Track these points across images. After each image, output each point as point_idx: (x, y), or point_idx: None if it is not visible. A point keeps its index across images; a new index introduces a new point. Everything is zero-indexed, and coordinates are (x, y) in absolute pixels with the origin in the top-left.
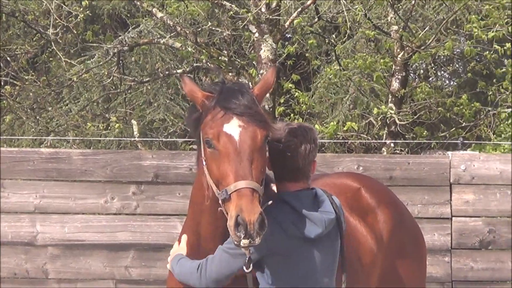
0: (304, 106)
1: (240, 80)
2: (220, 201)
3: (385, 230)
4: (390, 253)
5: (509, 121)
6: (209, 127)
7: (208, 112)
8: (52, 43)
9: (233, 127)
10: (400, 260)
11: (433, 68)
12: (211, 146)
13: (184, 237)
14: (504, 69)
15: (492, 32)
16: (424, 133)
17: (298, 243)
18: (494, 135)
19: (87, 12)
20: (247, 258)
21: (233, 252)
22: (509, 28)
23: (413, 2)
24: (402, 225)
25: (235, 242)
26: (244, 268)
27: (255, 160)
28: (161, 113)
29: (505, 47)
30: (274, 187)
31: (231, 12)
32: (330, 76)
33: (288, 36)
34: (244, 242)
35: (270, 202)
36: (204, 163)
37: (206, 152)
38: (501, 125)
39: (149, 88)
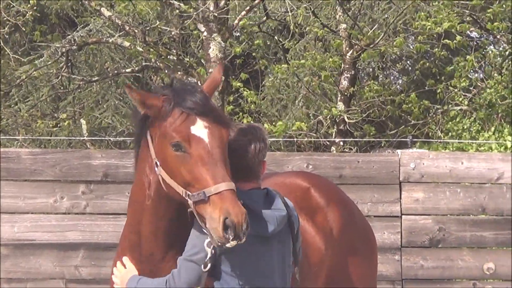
0: (253, 105)
1: (189, 79)
2: (190, 203)
3: (335, 228)
4: (340, 251)
5: (457, 119)
6: (175, 131)
7: (166, 116)
8: (1, 42)
9: (200, 129)
10: (350, 258)
11: (382, 67)
12: (181, 150)
13: (126, 259)
14: (452, 67)
15: (446, 23)
16: (373, 131)
17: (252, 241)
18: (442, 133)
19: (36, 10)
20: (207, 258)
21: (196, 258)
22: (457, 25)
23: (362, 0)
24: (352, 223)
25: (219, 243)
26: (203, 267)
27: (225, 160)
28: (110, 115)
29: (455, 41)
30: None
31: (178, 11)
32: (279, 76)
33: (237, 35)
34: (232, 243)
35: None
36: (156, 163)
37: (169, 155)
38: (450, 123)
39: (98, 88)
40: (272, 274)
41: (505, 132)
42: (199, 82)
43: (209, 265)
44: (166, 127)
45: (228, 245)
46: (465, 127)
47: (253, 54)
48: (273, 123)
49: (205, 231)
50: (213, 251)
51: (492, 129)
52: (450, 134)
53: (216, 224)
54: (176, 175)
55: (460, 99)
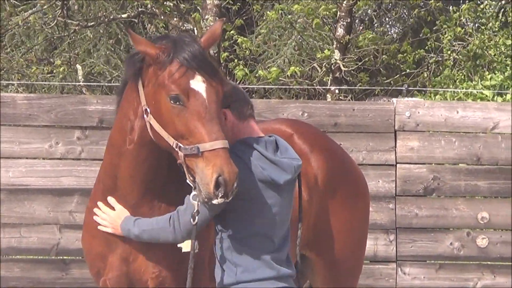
0: (247, 52)
1: (185, 25)
2: (180, 155)
3: (320, 175)
4: (326, 198)
5: (446, 71)
6: (174, 83)
7: (164, 66)
8: None
9: (199, 83)
10: (337, 206)
11: (378, 15)
12: (178, 102)
13: (113, 201)
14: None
15: None
16: (367, 80)
17: (265, 188)
18: (435, 84)
19: None
20: (194, 210)
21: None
22: None
23: None
24: (338, 170)
25: (206, 199)
26: (191, 219)
27: (220, 116)
28: (101, 64)
29: None
30: None
31: None
32: (272, 20)
33: None
34: (219, 200)
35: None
36: (146, 110)
37: (164, 105)
38: (446, 72)
39: (91, 35)
40: (283, 223)
41: (487, 80)
42: (195, 28)
43: (197, 217)
44: (165, 78)
45: (214, 201)
46: (450, 76)
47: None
48: (268, 69)
49: (191, 184)
50: (198, 204)
51: (477, 78)
52: (437, 83)
53: (208, 179)
54: (168, 126)
55: (449, 51)
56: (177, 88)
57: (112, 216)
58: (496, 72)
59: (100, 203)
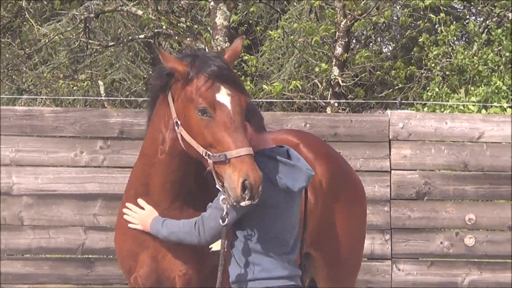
0: (253, 68)
1: (197, 44)
2: (210, 162)
3: (323, 180)
4: (328, 202)
5: (438, 85)
6: (201, 96)
7: (192, 80)
8: (24, 9)
9: (224, 96)
10: (339, 209)
11: (373, 35)
12: (206, 114)
13: (143, 202)
14: (437, 37)
15: (428, 0)
16: (363, 94)
17: (282, 196)
18: (425, 96)
19: None
20: (224, 213)
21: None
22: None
23: None
24: (339, 176)
25: (235, 202)
26: (221, 221)
27: (244, 126)
28: (121, 73)
29: (439, 16)
30: None
31: None
32: (275, 39)
33: (239, 4)
34: (246, 203)
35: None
36: (177, 123)
37: (193, 118)
38: (434, 88)
39: (112, 51)
40: (294, 227)
41: (473, 96)
42: (206, 48)
43: (226, 219)
44: (193, 92)
45: (242, 204)
46: (437, 91)
47: (250, 21)
48: (271, 84)
49: (220, 189)
50: (227, 207)
51: (462, 91)
52: (427, 97)
53: (235, 184)
54: (197, 136)
55: (435, 67)
56: (204, 101)
57: (142, 215)
58: (482, 86)
59: (130, 204)
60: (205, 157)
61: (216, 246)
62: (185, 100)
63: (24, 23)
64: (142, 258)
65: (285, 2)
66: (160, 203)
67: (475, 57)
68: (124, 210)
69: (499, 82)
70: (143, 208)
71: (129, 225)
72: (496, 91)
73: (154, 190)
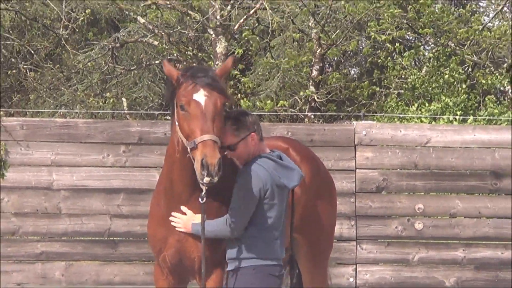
0: (248, 89)
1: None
2: (188, 150)
3: (307, 178)
4: (310, 195)
5: (393, 100)
6: (183, 96)
7: (181, 85)
8: (64, 42)
9: (200, 96)
10: (317, 200)
11: (343, 60)
12: (184, 110)
13: (185, 209)
14: (394, 63)
15: (384, 36)
16: (334, 108)
17: (279, 191)
18: (383, 110)
19: (89, 16)
20: (203, 193)
21: (242, 202)
22: (397, 32)
23: (328, 11)
24: (318, 174)
25: (200, 180)
26: (200, 199)
27: (216, 120)
28: (144, 91)
29: (395, 46)
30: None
31: (194, 19)
32: (264, 64)
33: (236, 37)
34: (206, 179)
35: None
36: (177, 123)
37: (179, 115)
38: (389, 102)
39: (136, 73)
40: (282, 218)
41: (425, 108)
42: None
43: (205, 198)
44: (179, 94)
45: (204, 180)
46: (394, 105)
47: (249, 52)
48: (264, 102)
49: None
50: (206, 188)
51: (415, 105)
52: (386, 110)
53: (197, 164)
54: (182, 130)
55: (391, 84)
56: (184, 99)
57: (184, 220)
58: (434, 102)
59: (175, 213)
60: (187, 146)
61: (196, 219)
62: (176, 101)
63: (63, 51)
64: (170, 241)
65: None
66: (182, 196)
67: (425, 77)
68: (171, 218)
69: (447, 99)
70: (185, 214)
71: (176, 228)
72: (446, 106)
73: (176, 184)
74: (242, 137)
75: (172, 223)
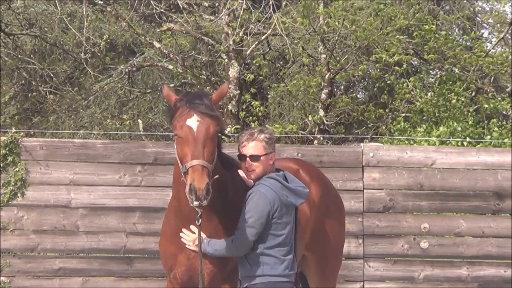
0: (260, 112)
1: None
2: (182, 174)
3: (316, 198)
4: (319, 214)
5: (401, 123)
6: (177, 121)
7: (178, 110)
8: (83, 64)
9: (193, 121)
10: (327, 219)
11: (350, 85)
12: (177, 134)
13: (193, 228)
14: (401, 86)
15: (396, 57)
16: (342, 130)
17: (287, 210)
18: (391, 133)
19: (107, 42)
20: (199, 215)
21: (251, 222)
22: (404, 57)
23: (336, 38)
24: (328, 195)
25: (190, 203)
26: (196, 221)
27: (207, 145)
28: (159, 116)
29: (402, 68)
30: (240, 172)
31: (207, 44)
32: (278, 91)
33: (247, 61)
34: (195, 203)
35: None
36: (175, 147)
37: (175, 139)
38: (397, 125)
39: (150, 98)
40: (292, 235)
41: (433, 132)
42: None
43: (200, 220)
44: (175, 118)
45: (194, 204)
46: (402, 128)
47: (261, 77)
48: (274, 126)
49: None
50: (200, 211)
51: (424, 127)
52: (394, 132)
53: (187, 188)
54: (178, 155)
55: (401, 108)
56: (177, 124)
57: (193, 238)
58: (442, 126)
59: (185, 230)
60: (181, 170)
61: (204, 237)
62: (172, 125)
63: (82, 75)
64: (180, 259)
65: (283, 59)
66: (191, 214)
67: (432, 101)
68: (181, 234)
69: (455, 124)
70: (194, 232)
71: (186, 244)
72: (453, 132)
73: (184, 204)
74: (268, 152)
75: (182, 240)
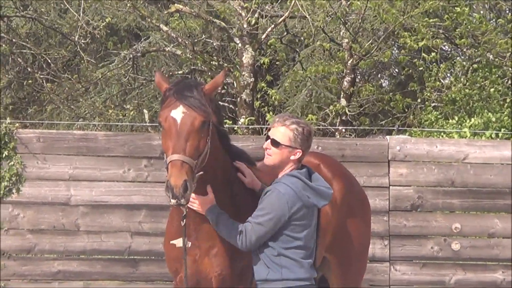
0: (276, 101)
1: (226, 80)
2: (165, 168)
3: (338, 196)
4: (342, 213)
5: (433, 113)
6: (163, 111)
7: (166, 99)
8: (81, 51)
9: (178, 113)
10: (350, 219)
11: (375, 72)
12: (162, 127)
13: (210, 190)
14: (430, 73)
15: (422, 42)
16: (367, 122)
17: (308, 211)
18: (420, 124)
19: (108, 26)
20: (183, 214)
21: (263, 220)
22: (433, 41)
23: (359, 21)
24: (351, 192)
25: (168, 201)
26: (182, 222)
27: (191, 139)
28: None
29: (431, 56)
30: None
31: (220, 26)
32: (294, 76)
33: (262, 47)
34: (172, 201)
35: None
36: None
37: (161, 131)
38: (427, 115)
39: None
40: (313, 237)
41: (465, 123)
42: (234, 82)
43: (184, 221)
44: (162, 109)
45: (171, 202)
46: (433, 118)
47: (277, 63)
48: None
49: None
50: (186, 210)
51: (456, 119)
52: (423, 123)
53: (165, 185)
54: (162, 147)
55: (433, 97)
56: (162, 115)
57: (201, 200)
58: (475, 117)
59: (208, 187)
60: (164, 165)
61: (178, 243)
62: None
63: (82, 61)
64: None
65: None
66: (192, 211)
67: (466, 90)
68: (191, 200)
69: (490, 114)
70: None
71: (188, 205)
72: (488, 122)
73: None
74: (292, 146)
75: (191, 206)
